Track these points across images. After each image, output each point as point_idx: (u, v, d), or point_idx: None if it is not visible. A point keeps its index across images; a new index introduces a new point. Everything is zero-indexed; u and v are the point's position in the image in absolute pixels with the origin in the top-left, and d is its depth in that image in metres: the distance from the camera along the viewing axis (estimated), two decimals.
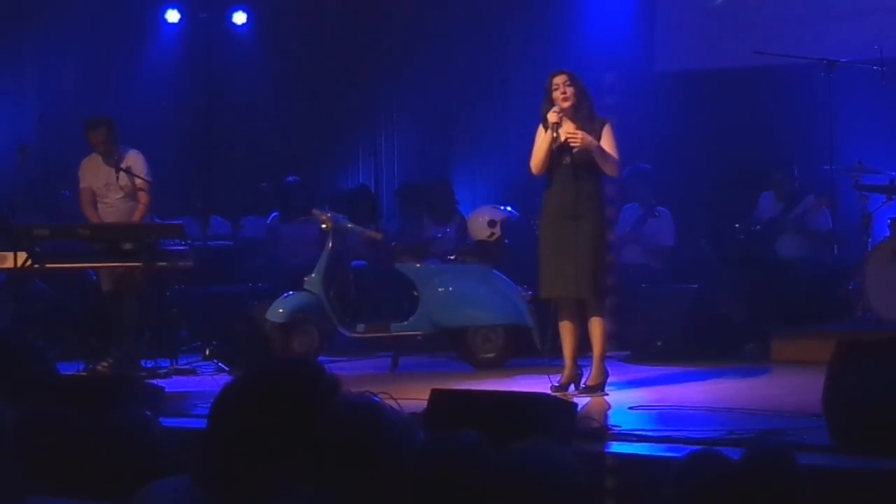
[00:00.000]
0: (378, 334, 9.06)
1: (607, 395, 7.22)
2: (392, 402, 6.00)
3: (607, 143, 7.24)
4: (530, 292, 8.76)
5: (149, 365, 8.55)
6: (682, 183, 10.51)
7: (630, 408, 6.66)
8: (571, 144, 7.19)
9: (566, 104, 7.25)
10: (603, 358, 7.30)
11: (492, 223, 9.21)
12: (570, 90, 7.25)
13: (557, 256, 7.26)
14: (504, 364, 8.85)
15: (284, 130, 12.69)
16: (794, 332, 8.92)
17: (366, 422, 2.75)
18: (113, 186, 8.95)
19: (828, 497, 4.38)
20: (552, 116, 7.24)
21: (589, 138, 7.16)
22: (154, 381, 7.28)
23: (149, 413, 4.01)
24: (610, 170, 7.29)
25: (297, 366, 2.52)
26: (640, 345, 9.02)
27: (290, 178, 11.11)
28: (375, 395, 3.13)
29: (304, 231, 10.55)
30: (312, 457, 2.38)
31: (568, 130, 7.18)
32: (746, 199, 10.43)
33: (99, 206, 9.05)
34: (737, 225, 10.21)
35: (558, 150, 7.27)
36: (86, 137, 8.96)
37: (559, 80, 7.29)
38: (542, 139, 7.31)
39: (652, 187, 10.15)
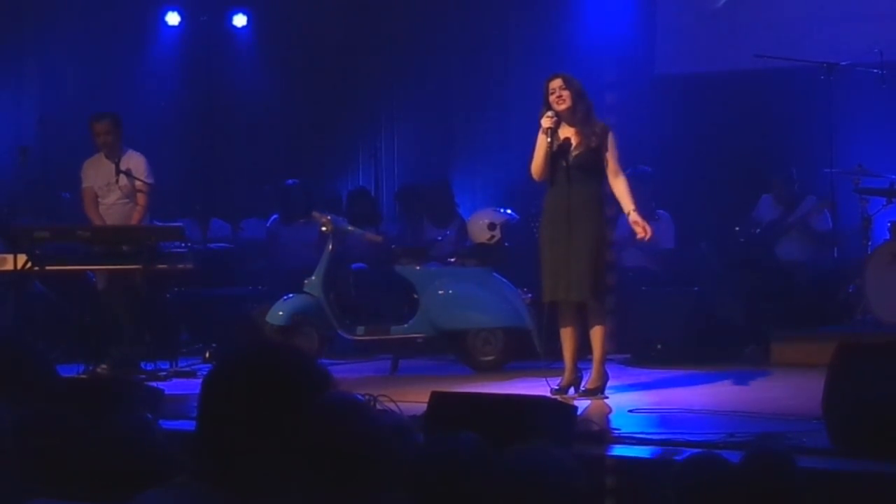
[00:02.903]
0: (378, 337, 9.06)
1: (607, 398, 7.21)
2: (392, 405, 6.02)
3: (612, 156, 7.26)
4: (530, 295, 8.77)
5: (149, 367, 8.55)
6: (683, 186, 10.51)
7: (630, 411, 6.66)
8: (640, 239, 7.30)
9: (562, 107, 7.27)
10: (603, 361, 7.30)
11: (492, 226, 9.21)
12: (565, 93, 7.26)
13: (556, 260, 7.27)
14: (504, 367, 8.85)
15: (284, 133, 12.69)
16: (794, 335, 8.91)
17: (346, 421, 2.74)
18: (112, 188, 8.95)
19: (827, 500, 4.38)
20: (546, 121, 7.26)
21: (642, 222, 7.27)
22: (154, 384, 7.26)
23: (149, 415, 4.02)
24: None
25: (281, 351, 2.50)
26: (639, 348, 9.03)
27: (290, 181, 11.12)
28: (361, 395, 3.13)
29: (304, 233, 10.55)
30: (297, 456, 2.37)
31: (638, 231, 7.27)
32: (747, 201, 10.43)
33: (99, 207, 9.06)
34: (737, 228, 10.21)
35: (556, 154, 7.28)
36: (90, 130, 8.94)
37: (555, 84, 7.30)
38: (540, 145, 7.32)
39: (652, 190, 10.13)
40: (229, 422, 2.33)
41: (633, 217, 7.28)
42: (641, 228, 7.29)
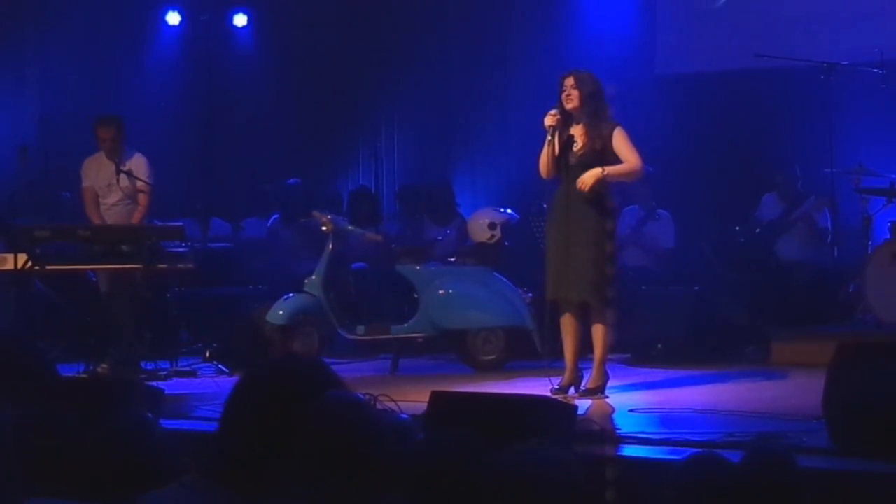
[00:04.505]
0: (378, 336, 9.06)
1: (608, 397, 7.21)
2: (392, 404, 6.02)
3: (623, 148, 7.23)
4: (530, 294, 8.77)
5: (149, 367, 8.54)
6: (683, 185, 10.51)
7: (630, 410, 6.67)
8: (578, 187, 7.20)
9: (569, 106, 7.26)
10: (604, 362, 7.30)
11: (492, 225, 9.22)
12: (574, 92, 7.24)
13: (557, 258, 7.27)
14: (504, 366, 8.85)
15: (285, 132, 12.70)
16: (795, 334, 8.92)
17: (348, 420, 2.74)
18: (114, 188, 8.95)
19: (828, 500, 4.38)
20: (548, 120, 7.25)
21: (590, 179, 7.17)
22: (154, 383, 7.27)
23: (149, 415, 4.02)
24: (633, 176, 7.40)
25: (308, 366, 2.51)
26: (640, 347, 9.03)
27: (291, 181, 11.12)
28: (361, 395, 3.13)
29: (304, 233, 10.54)
30: (299, 455, 2.38)
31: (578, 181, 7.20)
32: (747, 201, 10.44)
33: (100, 207, 9.06)
34: (737, 227, 10.21)
35: (560, 152, 7.27)
36: (94, 132, 8.94)
37: (567, 81, 7.28)
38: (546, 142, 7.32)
39: (652, 189, 10.15)
40: (252, 429, 2.34)
41: (595, 171, 7.16)
42: (581, 181, 7.16)
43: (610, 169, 7.19)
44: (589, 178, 7.16)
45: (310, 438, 2.45)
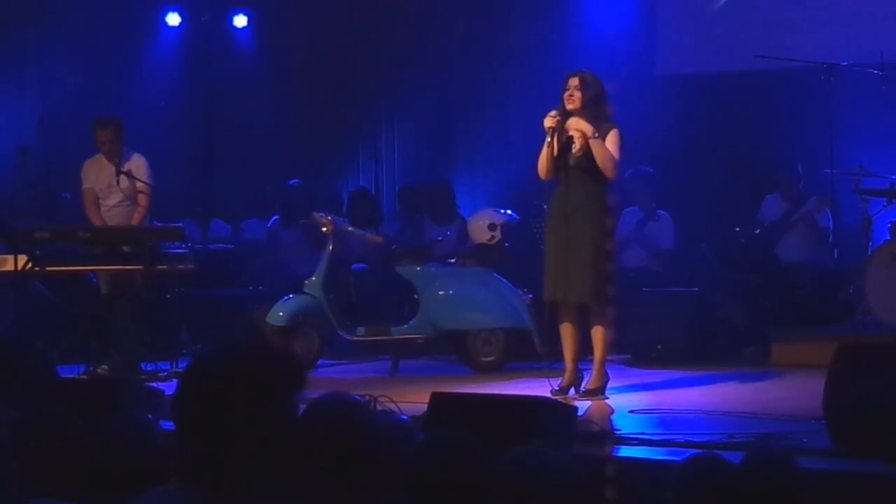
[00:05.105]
0: (378, 337, 9.06)
1: (608, 398, 7.21)
2: (392, 406, 6.03)
3: (609, 145, 7.22)
4: (530, 295, 8.77)
5: (149, 368, 8.55)
6: (683, 186, 10.50)
7: (630, 411, 6.67)
8: (570, 133, 7.20)
9: (570, 106, 7.25)
10: (604, 363, 7.30)
11: (492, 226, 9.21)
12: (577, 94, 7.23)
13: (555, 260, 7.27)
14: (504, 367, 8.84)
15: (285, 133, 12.69)
16: (795, 335, 8.91)
17: (345, 422, 2.74)
18: (114, 189, 8.95)
19: (828, 501, 4.38)
20: (547, 121, 7.25)
21: (581, 124, 7.16)
22: (154, 385, 7.27)
23: (149, 416, 4.02)
24: (606, 168, 7.21)
25: (253, 352, 2.47)
26: (640, 348, 9.02)
27: (292, 182, 11.12)
28: (361, 396, 3.13)
29: (304, 234, 10.54)
30: (291, 454, 2.36)
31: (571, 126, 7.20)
32: (747, 202, 10.44)
33: (101, 209, 9.06)
34: (737, 228, 10.21)
35: (559, 153, 7.27)
36: (93, 134, 8.94)
37: (571, 82, 7.27)
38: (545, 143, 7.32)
39: (652, 190, 10.15)
40: (203, 423, 2.31)
41: (589, 126, 7.17)
42: (574, 120, 7.17)
43: (599, 139, 7.16)
44: (581, 123, 7.15)
45: (310, 439, 2.44)
